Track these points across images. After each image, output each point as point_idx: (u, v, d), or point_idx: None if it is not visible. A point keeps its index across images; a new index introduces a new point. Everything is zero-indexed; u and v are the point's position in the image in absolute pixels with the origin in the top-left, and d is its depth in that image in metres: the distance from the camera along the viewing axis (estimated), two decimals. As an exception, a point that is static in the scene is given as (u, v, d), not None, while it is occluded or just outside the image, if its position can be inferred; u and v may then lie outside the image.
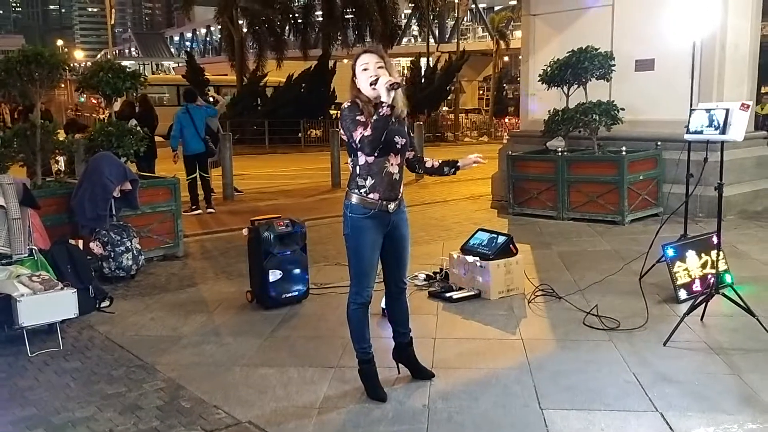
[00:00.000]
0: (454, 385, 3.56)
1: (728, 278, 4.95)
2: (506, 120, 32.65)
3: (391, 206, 3.32)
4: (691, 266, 4.87)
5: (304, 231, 5.17)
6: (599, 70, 7.97)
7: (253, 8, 28.33)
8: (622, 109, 7.98)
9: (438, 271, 5.62)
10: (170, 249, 6.61)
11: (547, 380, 3.59)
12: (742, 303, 4.15)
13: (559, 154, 8.20)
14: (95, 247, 5.67)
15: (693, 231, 6.30)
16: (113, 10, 31.15)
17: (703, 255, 4.88)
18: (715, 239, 4.60)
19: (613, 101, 8.07)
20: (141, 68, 78.10)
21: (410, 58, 35.94)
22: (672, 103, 7.75)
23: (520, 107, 10.26)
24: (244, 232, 5.10)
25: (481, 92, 51.80)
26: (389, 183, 3.28)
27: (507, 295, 5.07)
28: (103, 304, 5.00)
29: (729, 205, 7.93)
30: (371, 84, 3.14)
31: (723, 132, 4.04)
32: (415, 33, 50.44)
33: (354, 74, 3.27)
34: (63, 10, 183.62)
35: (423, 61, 32.62)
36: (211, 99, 11.71)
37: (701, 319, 4.37)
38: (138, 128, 7.52)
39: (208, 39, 66.32)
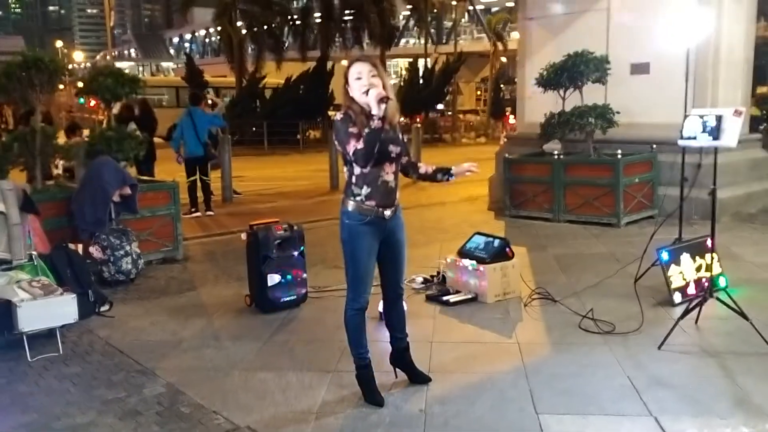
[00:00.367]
0: (451, 390, 3.59)
1: (722, 281, 5.00)
2: (509, 120, 32.51)
3: (388, 212, 3.36)
4: (686, 270, 4.91)
5: (303, 235, 5.21)
6: (595, 74, 8.02)
7: (251, 10, 28.38)
8: (618, 113, 8.03)
9: (435, 274, 5.66)
10: (170, 252, 6.65)
11: (543, 384, 3.63)
12: (735, 307, 4.19)
13: (556, 157, 8.25)
14: (95, 251, 5.71)
15: (688, 233, 6.34)
16: (112, 12, 31.22)
17: (697, 258, 4.93)
18: (709, 242, 4.64)
19: (609, 104, 8.12)
20: (140, 70, 78.21)
21: (408, 60, 35.99)
22: (667, 106, 7.79)
23: (517, 110, 10.31)
24: (243, 236, 5.14)
25: (478, 93, 51.88)
26: (385, 191, 3.31)
27: (503, 298, 5.12)
28: (102, 309, 5.04)
29: (723, 207, 7.96)
30: (364, 93, 3.18)
31: (716, 138, 4.08)
32: (413, 34, 50.47)
33: (347, 82, 3.30)
34: (62, 12, 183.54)
35: (421, 62, 32.69)
36: (210, 102, 11.72)
37: (695, 322, 4.41)
38: (137, 132, 7.56)
39: (207, 40, 66.34)
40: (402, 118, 28.06)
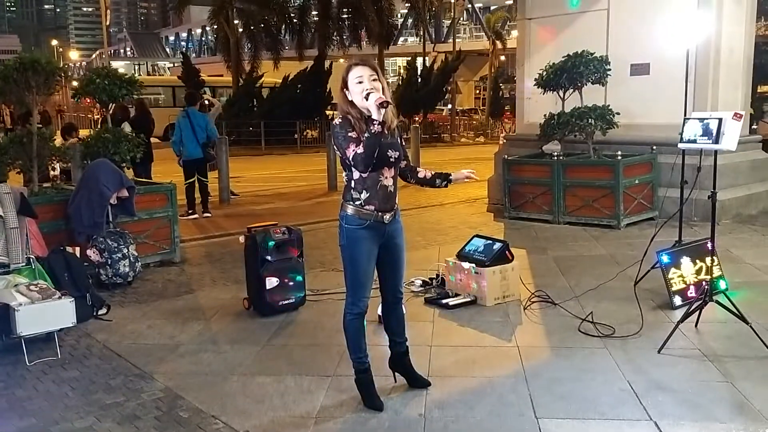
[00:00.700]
0: (450, 394, 3.58)
1: (722, 284, 5.00)
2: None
3: (387, 217, 3.35)
4: (686, 273, 4.90)
5: (301, 237, 5.20)
6: (594, 75, 8.01)
7: (248, 9, 28.32)
8: (618, 114, 8.02)
9: (434, 277, 5.64)
10: (167, 255, 6.62)
11: (543, 389, 3.62)
12: (735, 310, 4.18)
13: (555, 158, 8.24)
14: (92, 254, 5.68)
15: (688, 235, 6.35)
16: (108, 11, 31.12)
17: (697, 261, 4.92)
18: (709, 245, 4.63)
19: (609, 105, 8.10)
20: (136, 68, 78.05)
21: (406, 58, 35.96)
22: (667, 107, 7.79)
23: (516, 111, 10.30)
24: (241, 239, 5.12)
25: (477, 91, 51.90)
26: (384, 195, 3.30)
27: (503, 301, 5.11)
28: (100, 312, 5.02)
29: (724, 208, 7.98)
30: (365, 97, 3.16)
31: (716, 141, 4.08)
32: (412, 32, 50.47)
33: (345, 86, 3.27)
34: (58, 10, 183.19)
35: (419, 60, 32.66)
36: (206, 102, 11.69)
37: (695, 325, 4.41)
38: (132, 133, 7.53)
39: (203, 39, 66.26)
40: (401, 117, 28.04)
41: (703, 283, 4.82)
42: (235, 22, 29.02)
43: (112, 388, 3.79)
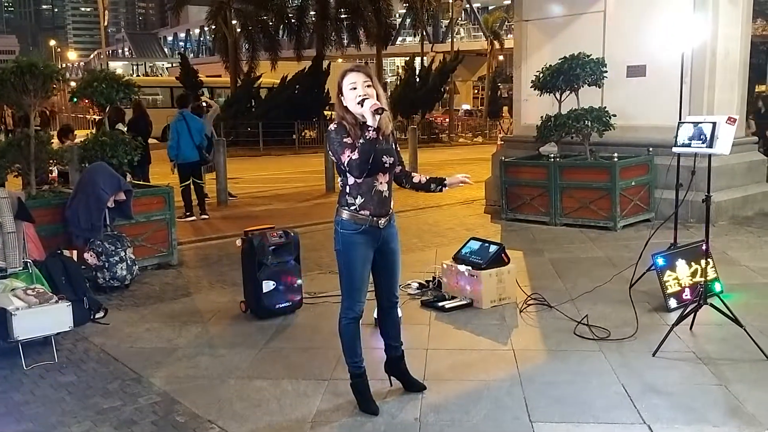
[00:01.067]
0: (446, 398, 3.60)
1: (717, 287, 5.02)
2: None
3: (382, 222, 3.37)
4: (681, 275, 4.93)
5: (298, 241, 5.21)
6: (591, 77, 8.03)
7: (246, 9, 28.30)
8: (614, 115, 8.04)
9: (431, 279, 5.66)
10: (165, 257, 6.64)
11: (538, 392, 3.64)
12: (729, 313, 4.20)
13: (552, 159, 8.25)
14: (89, 257, 5.69)
15: (684, 236, 6.38)
16: (106, 11, 31.08)
17: (692, 264, 4.94)
18: (704, 248, 4.65)
19: (605, 107, 8.13)
20: (134, 68, 77.99)
21: (404, 58, 35.97)
22: (663, 108, 7.81)
23: (513, 112, 10.32)
24: (238, 242, 5.14)
25: (476, 91, 51.91)
26: (379, 201, 3.32)
27: (499, 304, 5.12)
28: (97, 315, 5.03)
29: (720, 210, 8.01)
30: (359, 103, 3.18)
31: (710, 145, 4.10)
32: (410, 32, 50.47)
33: (341, 92, 3.30)
34: (56, 10, 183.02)
35: (417, 60, 32.66)
36: (204, 104, 11.70)
37: (690, 328, 4.43)
38: (126, 133, 7.54)
39: (201, 39, 66.21)
40: (399, 118, 27.90)
41: (699, 285, 4.85)
42: (233, 22, 29.00)
43: (109, 392, 3.80)
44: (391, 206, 3.45)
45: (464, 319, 4.87)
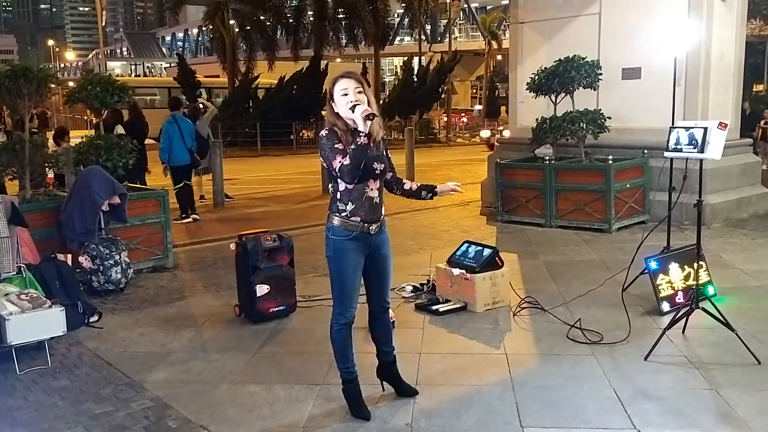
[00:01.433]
0: (438, 403, 3.61)
1: (711, 290, 5.03)
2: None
3: (373, 228, 3.38)
4: (674, 278, 4.94)
5: (292, 245, 5.22)
6: (586, 79, 8.03)
7: (243, 10, 28.31)
8: (609, 118, 8.05)
9: (425, 282, 5.67)
10: (159, 260, 6.64)
11: (529, 397, 3.65)
12: (721, 318, 4.21)
13: (547, 162, 8.27)
14: (84, 260, 5.70)
15: (678, 239, 6.39)
16: (104, 11, 31.03)
17: (685, 267, 4.95)
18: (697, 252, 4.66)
19: (600, 110, 8.13)
20: (132, 68, 77.88)
21: (403, 58, 35.98)
22: (658, 111, 7.81)
23: (509, 114, 10.33)
24: (232, 246, 5.15)
25: (474, 91, 51.97)
26: (370, 207, 3.33)
27: (493, 307, 5.13)
28: (92, 320, 5.03)
29: (714, 212, 8.03)
30: (350, 109, 3.19)
31: (701, 150, 4.11)
32: (408, 32, 50.50)
33: (332, 98, 3.31)
34: (54, 10, 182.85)
35: (415, 60, 32.67)
36: (201, 105, 11.71)
37: (683, 332, 4.44)
38: (125, 136, 7.53)
39: (200, 39, 66.18)
40: (397, 118, 27.81)
41: (692, 288, 4.86)
42: (231, 22, 29.00)
43: (102, 397, 3.81)
44: (383, 212, 3.46)
45: (458, 323, 4.89)
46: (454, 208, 10.00)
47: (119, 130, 9.51)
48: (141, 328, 4.97)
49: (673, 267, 4.94)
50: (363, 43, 31.42)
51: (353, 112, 3.17)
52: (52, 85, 5.92)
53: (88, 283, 5.67)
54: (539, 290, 5.55)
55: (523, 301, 5.22)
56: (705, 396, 3.62)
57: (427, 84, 29.38)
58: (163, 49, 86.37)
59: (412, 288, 5.61)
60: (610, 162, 7.80)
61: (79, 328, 4.88)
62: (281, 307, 5.02)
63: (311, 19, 31.10)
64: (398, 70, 38.03)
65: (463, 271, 5.18)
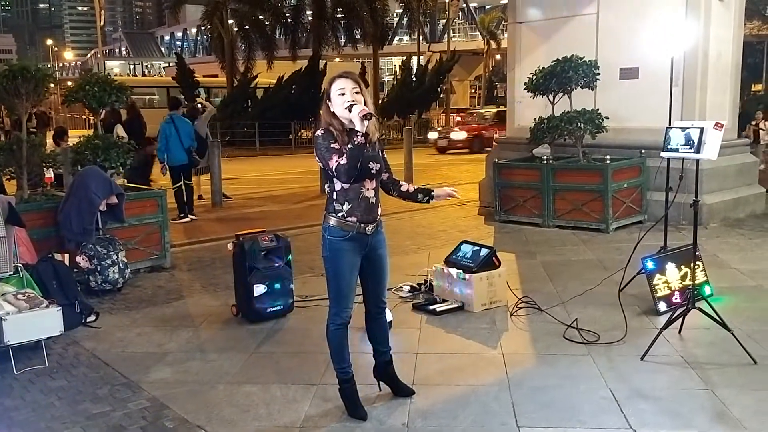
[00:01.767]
0: (434, 403, 3.62)
1: (707, 290, 5.04)
2: None
3: (369, 228, 3.38)
4: (671, 278, 4.95)
5: (289, 245, 5.23)
6: (584, 79, 8.05)
7: (242, 9, 28.31)
8: (607, 118, 8.06)
9: (423, 282, 5.68)
10: (157, 260, 6.64)
11: (526, 397, 3.65)
12: (717, 318, 4.22)
13: (545, 161, 8.27)
14: (81, 260, 5.70)
15: (675, 238, 6.41)
16: (103, 10, 30.98)
17: (682, 267, 4.96)
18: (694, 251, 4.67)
19: (598, 109, 8.14)
20: (131, 68, 77.80)
21: (401, 58, 35.98)
22: (656, 111, 7.81)
23: (507, 114, 10.34)
24: (229, 246, 5.15)
25: (473, 90, 51.93)
26: (366, 207, 3.33)
27: (490, 307, 5.14)
28: (89, 319, 5.03)
29: (712, 212, 8.04)
30: (347, 109, 3.19)
31: (697, 151, 4.12)
32: (407, 32, 50.49)
33: (329, 98, 3.31)
34: (53, 9, 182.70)
35: (414, 60, 32.68)
36: (199, 106, 11.71)
37: (679, 332, 4.45)
38: (124, 136, 7.54)
39: (198, 39, 66.09)
40: (396, 117, 27.79)
41: (688, 288, 4.87)
42: (230, 22, 28.99)
43: (99, 397, 3.81)
44: (379, 213, 3.46)
45: (455, 323, 4.89)
46: (452, 208, 10.00)
47: (119, 129, 9.52)
48: (138, 328, 4.97)
49: (670, 267, 4.95)
50: (362, 42, 31.42)
51: (350, 111, 3.18)
52: (51, 85, 5.90)
53: (85, 283, 5.67)
54: (536, 290, 5.56)
55: (520, 301, 5.23)
56: (701, 396, 3.63)
57: (425, 84, 29.39)
58: (162, 49, 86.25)
59: (409, 288, 5.62)
60: (608, 162, 7.81)
61: (77, 328, 4.88)
62: (278, 307, 5.01)
63: (310, 18, 31.10)
64: (397, 69, 38.01)
65: (461, 271, 5.18)
